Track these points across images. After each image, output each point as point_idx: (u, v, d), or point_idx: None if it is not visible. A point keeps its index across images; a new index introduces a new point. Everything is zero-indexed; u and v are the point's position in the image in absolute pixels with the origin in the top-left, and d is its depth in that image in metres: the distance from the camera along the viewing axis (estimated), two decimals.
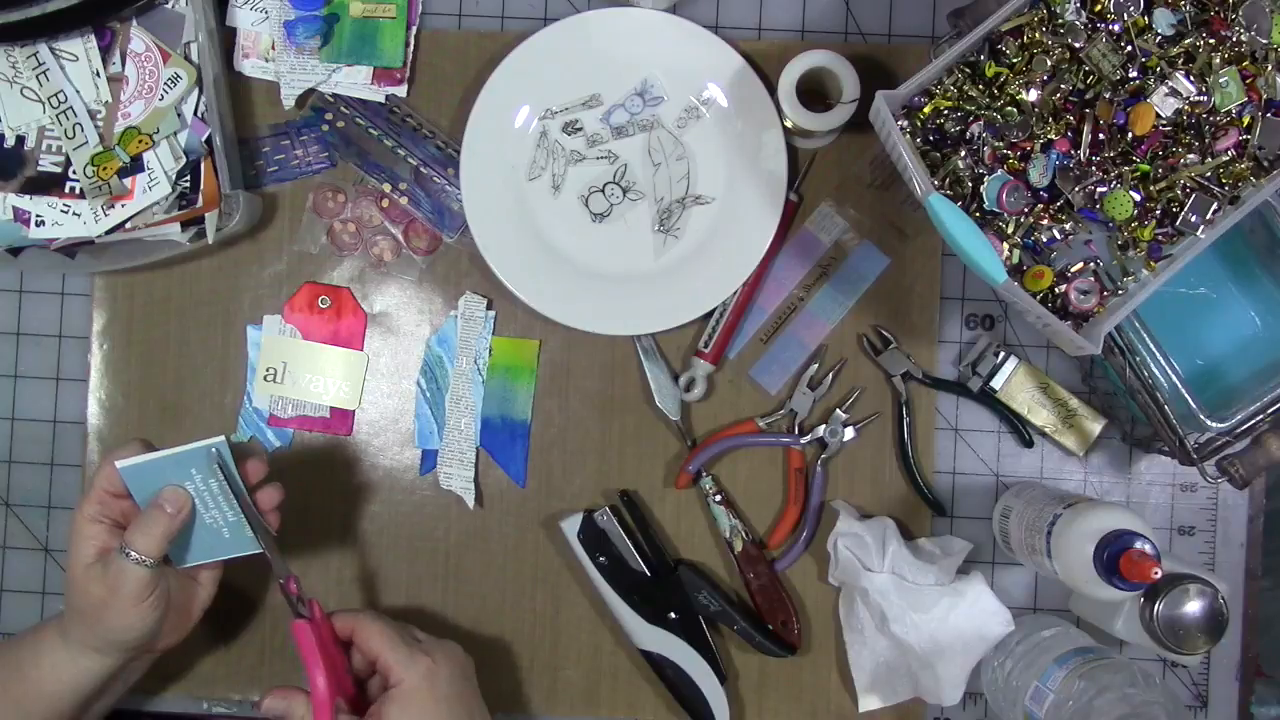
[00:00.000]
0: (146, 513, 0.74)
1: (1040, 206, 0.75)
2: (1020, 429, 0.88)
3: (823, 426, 0.88)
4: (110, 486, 0.76)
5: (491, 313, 0.89)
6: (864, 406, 0.89)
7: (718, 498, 0.88)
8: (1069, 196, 0.74)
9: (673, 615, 0.87)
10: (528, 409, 0.90)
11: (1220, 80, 0.72)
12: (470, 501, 0.89)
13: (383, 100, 0.89)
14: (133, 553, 0.73)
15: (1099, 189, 0.74)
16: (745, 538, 0.87)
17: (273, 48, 0.89)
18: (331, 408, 0.90)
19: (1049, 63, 0.74)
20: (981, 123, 0.74)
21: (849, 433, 0.88)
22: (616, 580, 0.86)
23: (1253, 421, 0.79)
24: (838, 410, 0.88)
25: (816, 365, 0.88)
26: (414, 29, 0.89)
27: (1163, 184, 0.74)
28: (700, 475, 0.88)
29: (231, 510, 0.76)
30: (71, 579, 0.75)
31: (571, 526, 0.87)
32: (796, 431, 0.88)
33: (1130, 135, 0.73)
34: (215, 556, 0.78)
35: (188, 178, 0.87)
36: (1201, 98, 0.73)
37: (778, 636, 0.87)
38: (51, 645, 0.77)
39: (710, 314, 0.88)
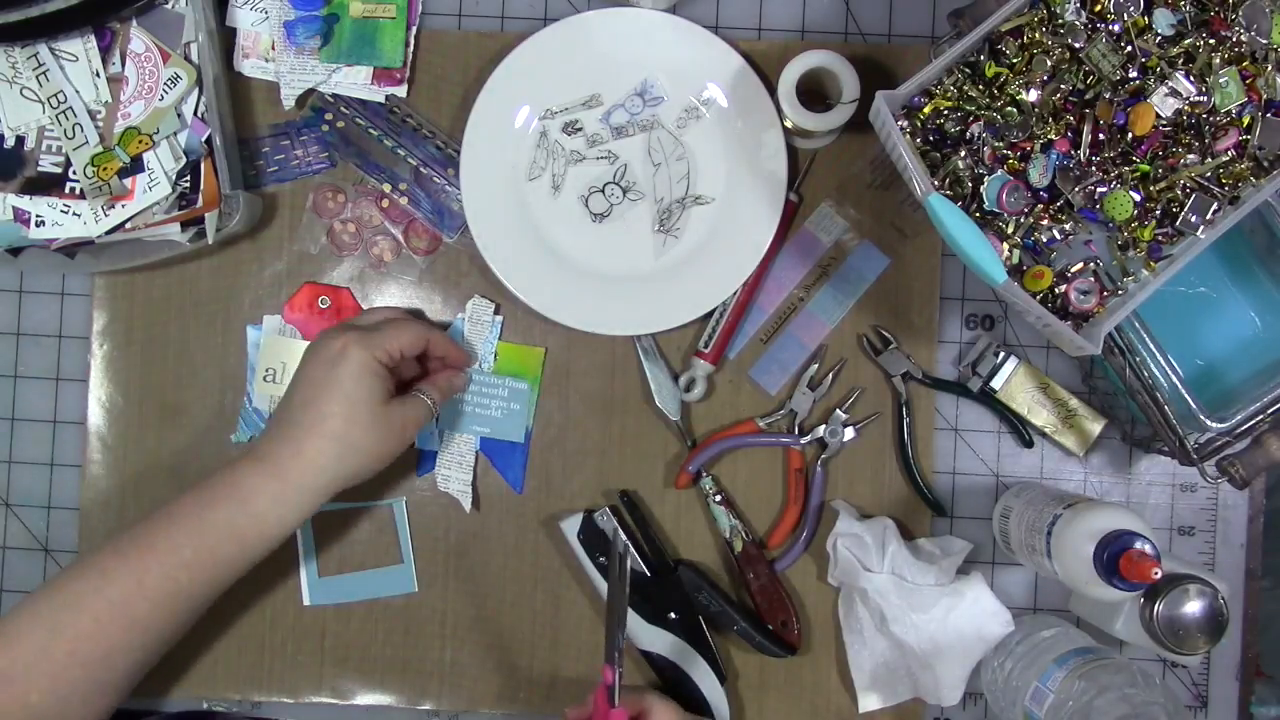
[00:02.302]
0: (449, 376, 0.85)
1: (1040, 206, 0.75)
2: (1020, 429, 0.88)
3: (823, 426, 0.88)
4: (409, 350, 0.81)
5: (499, 318, 0.89)
6: (864, 406, 0.89)
7: (718, 498, 0.88)
8: (1069, 196, 0.74)
9: (673, 615, 0.87)
10: (530, 416, 0.90)
11: (1220, 80, 0.72)
12: (467, 505, 0.89)
13: (383, 100, 0.89)
14: (431, 399, 0.82)
15: (1099, 189, 0.74)
16: (745, 538, 0.87)
17: (273, 48, 0.89)
18: None
19: (1049, 63, 0.74)
20: (981, 123, 0.74)
21: (849, 433, 0.88)
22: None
23: (1253, 421, 0.78)
24: (838, 410, 0.88)
25: (817, 365, 0.88)
26: (414, 29, 0.89)
27: (1163, 184, 0.74)
28: (700, 475, 0.88)
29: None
30: (357, 417, 0.77)
31: (571, 527, 0.87)
32: (796, 431, 0.88)
33: (1130, 135, 0.73)
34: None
35: (188, 178, 0.87)
36: (1201, 98, 0.73)
37: (778, 636, 0.87)
38: (266, 491, 0.76)
39: (710, 314, 0.88)
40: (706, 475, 0.88)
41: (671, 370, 0.89)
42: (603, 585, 0.87)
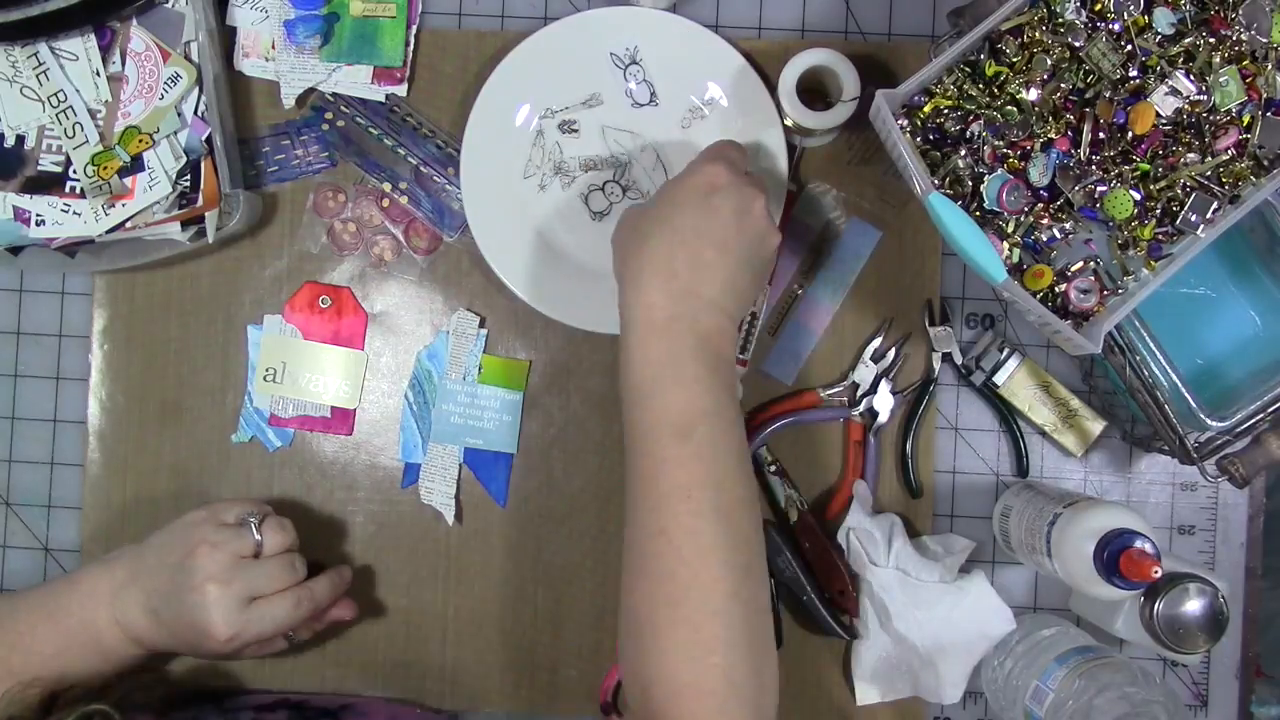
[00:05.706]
0: (335, 614, 0.85)
1: (1040, 205, 0.75)
2: (1020, 458, 0.88)
3: (872, 396, 0.88)
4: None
5: (483, 331, 0.89)
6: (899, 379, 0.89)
7: (773, 468, 0.87)
8: (1069, 195, 0.74)
9: None
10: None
11: (1220, 79, 0.72)
12: (450, 518, 0.89)
13: (383, 100, 0.89)
14: (293, 638, 0.82)
15: (1099, 188, 0.74)
16: (800, 507, 0.87)
17: (273, 47, 0.89)
18: (332, 407, 0.90)
19: (1049, 62, 0.74)
20: (981, 122, 0.75)
21: (889, 400, 0.88)
22: None
23: (1253, 421, 0.79)
24: (884, 380, 0.88)
25: (880, 338, 0.88)
26: (414, 28, 0.89)
27: (1163, 183, 0.74)
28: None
29: None
30: (211, 630, 0.75)
31: None
32: (851, 403, 0.88)
33: (1130, 134, 0.73)
34: None
35: (188, 177, 0.87)
36: (1201, 97, 0.73)
37: (838, 613, 0.86)
38: (114, 638, 0.78)
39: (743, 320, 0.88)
40: (761, 447, 0.88)
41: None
42: None
